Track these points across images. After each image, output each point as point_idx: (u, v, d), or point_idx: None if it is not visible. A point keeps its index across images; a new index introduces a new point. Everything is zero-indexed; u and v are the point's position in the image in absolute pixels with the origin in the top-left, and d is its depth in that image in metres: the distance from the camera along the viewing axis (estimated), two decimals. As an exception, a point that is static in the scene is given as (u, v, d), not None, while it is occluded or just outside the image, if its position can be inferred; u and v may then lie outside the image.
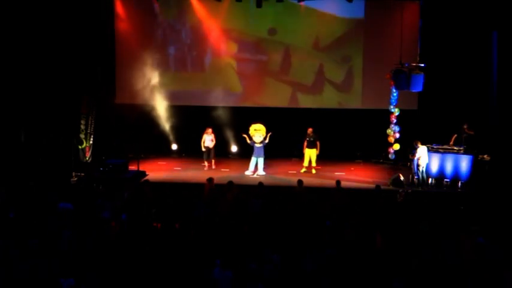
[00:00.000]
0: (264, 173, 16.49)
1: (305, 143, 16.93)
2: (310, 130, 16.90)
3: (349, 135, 18.41)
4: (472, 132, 16.09)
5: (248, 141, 16.63)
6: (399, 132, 17.24)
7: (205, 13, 18.30)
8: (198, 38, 18.55)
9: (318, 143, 16.75)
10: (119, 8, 18.28)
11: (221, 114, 18.53)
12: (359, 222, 11.60)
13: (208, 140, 17.09)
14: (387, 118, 17.36)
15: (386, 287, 9.14)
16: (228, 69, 18.69)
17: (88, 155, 17.64)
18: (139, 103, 18.33)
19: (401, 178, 15.36)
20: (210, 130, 17.18)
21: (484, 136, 16.16)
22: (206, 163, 17.18)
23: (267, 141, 16.51)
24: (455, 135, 16.26)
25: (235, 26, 18.55)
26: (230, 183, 13.71)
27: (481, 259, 9.98)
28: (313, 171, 16.83)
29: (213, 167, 17.17)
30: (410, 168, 15.98)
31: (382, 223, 11.56)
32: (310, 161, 16.85)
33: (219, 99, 18.67)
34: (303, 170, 16.88)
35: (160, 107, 18.55)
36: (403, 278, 9.01)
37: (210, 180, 13.83)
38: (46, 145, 16.41)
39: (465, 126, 16.21)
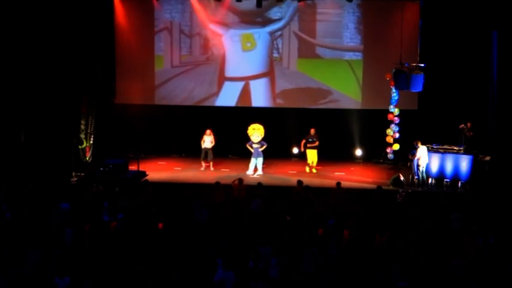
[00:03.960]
0: (261, 173, 16.48)
1: (303, 142, 16.94)
2: (312, 130, 16.94)
3: (349, 135, 18.41)
4: (471, 133, 16.06)
5: (248, 146, 16.64)
6: (398, 132, 17.27)
7: (205, 12, 18.30)
8: (198, 38, 18.54)
9: (317, 142, 16.77)
10: (119, 8, 18.25)
11: (221, 114, 18.54)
12: (359, 222, 11.60)
13: (208, 141, 17.04)
14: (387, 118, 17.39)
15: (386, 287, 9.15)
16: (242, 62, 18.64)
17: (88, 155, 17.65)
18: (139, 103, 18.35)
19: (402, 178, 15.36)
20: (209, 131, 17.12)
21: (484, 136, 16.15)
22: (203, 163, 17.15)
23: (263, 147, 16.50)
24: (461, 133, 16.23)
25: (235, 25, 18.49)
26: (217, 183, 13.73)
27: (481, 259, 9.99)
28: (314, 170, 16.84)
29: (212, 168, 17.12)
30: (410, 168, 15.98)
31: (382, 223, 11.56)
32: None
33: (220, 99, 18.67)
34: (308, 169, 16.90)
35: (160, 106, 18.57)
36: (405, 276, 9.01)
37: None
38: (46, 145, 16.41)
39: (468, 125, 16.14)
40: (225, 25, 18.63)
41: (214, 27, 18.54)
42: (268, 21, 18.50)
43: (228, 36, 18.72)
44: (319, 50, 18.44)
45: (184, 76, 18.78)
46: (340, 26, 18.19)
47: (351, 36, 18.20)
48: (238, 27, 18.63)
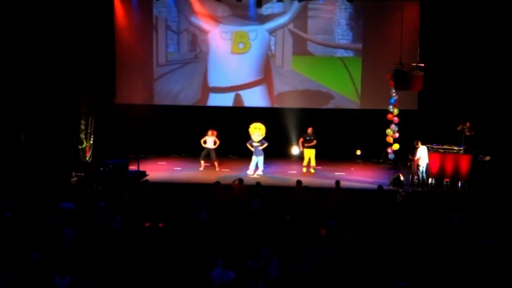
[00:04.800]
0: (262, 173, 16.48)
1: (300, 140, 16.93)
2: (310, 130, 16.91)
3: (349, 135, 18.40)
4: (472, 133, 16.04)
5: (248, 145, 16.62)
6: (398, 132, 17.27)
7: (205, 12, 18.24)
8: (198, 38, 18.49)
9: (314, 141, 16.73)
10: (118, 8, 18.24)
11: (222, 113, 18.53)
12: (359, 222, 11.61)
13: (210, 141, 16.96)
14: (387, 118, 17.39)
15: (386, 287, 9.15)
16: (230, 68, 18.47)
17: (88, 155, 17.65)
18: (139, 103, 18.34)
19: (402, 178, 15.35)
20: (211, 132, 16.95)
21: (484, 136, 16.14)
22: (202, 163, 17.10)
23: (264, 146, 16.48)
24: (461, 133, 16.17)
25: (227, 20, 18.16)
26: (217, 183, 13.71)
27: (481, 259, 9.99)
28: (312, 170, 16.82)
29: (217, 168, 17.03)
30: (410, 168, 15.98)
31: (382, 223, 11.57)
32: (309, 161, 16.86)
33: (221, 99, 18.65)
34: (305, 169, 16.89)
35: (160, 106, 18.57)
36: (405, 277, 9.01)
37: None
38: (46, 145, 16.41)
39: (467, 125, 16.11)
40: (213, 19, 18.01)
41: (198, 22, 17.93)
42: (267, 17, 17.95)
43: (215, 33, 18.05)
44: (315, 48, 18.20)
45: (171, 76, 18.50)
46: (340, 26, 18.15)
47: (350, 35, 18.17)
48: (230, 23, 17.92)
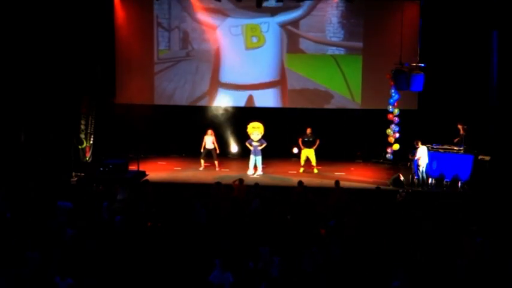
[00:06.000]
0: (261, 173, 16.47)
1: (300, 141, 16.92)
2: (309, 130, 16.89)
3: (349, 135, 18.41)
4: (464, 133, 15.97)
5: (247, 144, 16.61)
6: (398, 132, 17.27)
7: (205, 12, 18.22)
8: (199, 37, 18.48)
9: (317, 141, 16.72)
10: (119, 8, 18.24)
11: (221, 114, 18.54)
12: (359, 222, 11.60)
13: (209, 141, 16.98)
14: (387, 118, 17.41)
15: (386, 287, 9.15)
16: (230, 69, 18.49)
17: (88, 155, 17.67)
18: (139, 103, 18.35)
19: (402, 178, 15.36)
20: (210, 131, 17.03)
21: (484, 136, 16.14)
22: (203, 163, 17.10)
23: (262, 146, 16.47)
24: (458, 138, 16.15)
25: (234, 12, 18.09)
26: (218, 183, 13.72)
27: (481, 259, 9.99)
28: (315, 170, 16.78)
29: (217, 168, 17.03)
30: (410, 168, 15.98)
31: (382, 223, 11.56)
32: (308, 161, 16.84)
33: (220, 99, 18.65)
34: (302, 170, 16.87)
35: (160, 106, 18.57)
36: (404, 276, 9.01)
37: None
38: (46, 145, 16.42)
39: (459, 126, 16.09)
40: (220, 12, 17.78)
41: (205, 17, 17.75)
42: (278, 9, 17.65)
43: (224, 28, 17.79)
44: (308, 45, 18.15)
45: (165, 75, 18.48)
46: (340, 26, 18.12)
47: (351, 35, 18.14)
48: (238, 16, 17.54)
